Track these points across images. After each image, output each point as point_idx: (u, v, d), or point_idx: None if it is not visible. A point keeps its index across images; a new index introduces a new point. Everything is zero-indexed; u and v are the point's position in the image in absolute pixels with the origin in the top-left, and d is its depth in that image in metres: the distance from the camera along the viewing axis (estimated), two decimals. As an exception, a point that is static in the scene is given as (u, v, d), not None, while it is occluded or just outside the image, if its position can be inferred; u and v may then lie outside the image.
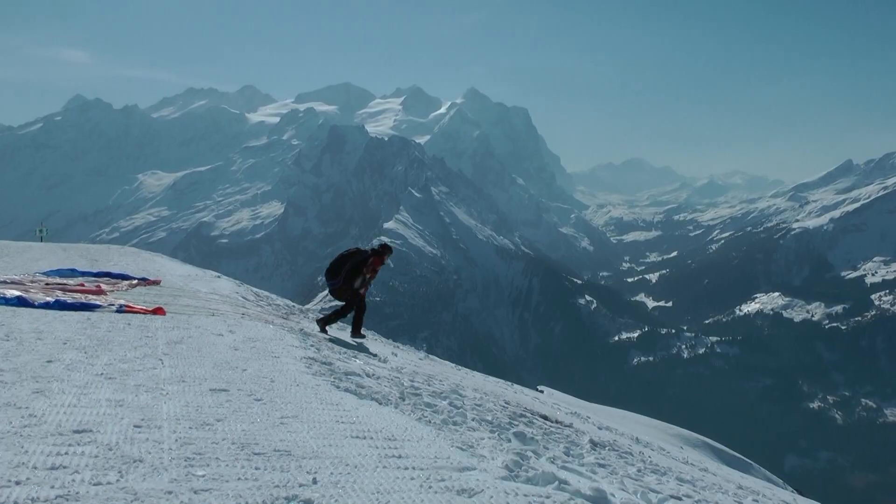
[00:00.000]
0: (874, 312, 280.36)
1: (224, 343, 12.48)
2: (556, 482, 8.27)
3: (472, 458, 8.25)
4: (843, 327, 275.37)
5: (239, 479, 5.81)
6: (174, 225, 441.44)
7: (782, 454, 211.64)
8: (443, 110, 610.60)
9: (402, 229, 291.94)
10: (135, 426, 6.89)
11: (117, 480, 5.37)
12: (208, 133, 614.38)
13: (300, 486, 5.86)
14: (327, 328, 16.62)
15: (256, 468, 6.12)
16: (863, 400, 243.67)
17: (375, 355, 16.86)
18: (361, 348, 16.47)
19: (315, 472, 6.28)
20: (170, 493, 5.27)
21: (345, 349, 15.34)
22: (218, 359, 10.92)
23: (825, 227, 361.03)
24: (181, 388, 8.79)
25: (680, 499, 13.31)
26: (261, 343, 13.05)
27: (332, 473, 6.35)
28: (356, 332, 16.64)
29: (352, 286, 15.40)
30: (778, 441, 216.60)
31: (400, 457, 7.51)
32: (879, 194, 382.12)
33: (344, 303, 15.80)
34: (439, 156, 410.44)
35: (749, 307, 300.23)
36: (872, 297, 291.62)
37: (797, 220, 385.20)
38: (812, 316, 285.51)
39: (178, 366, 10.08)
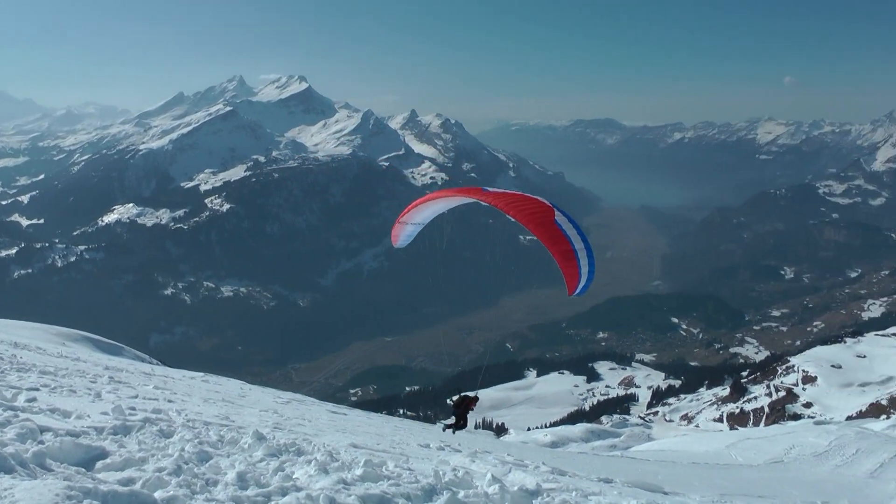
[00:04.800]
0: (208, 213, 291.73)
1: None
2: None
3: None
4: (185, 227, 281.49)
5: None
6: None
7: (147, 335, 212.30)
8: None
9: None
10: None
11: None
12: None
13: None
14: (448, 430, 19.51)
15: None
16: (205, 282, 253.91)
17: None
18: None
19: None
20: None
21: None
22: None
23: (166, 147, 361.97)
24: None
25: (38, 389, 12.84)
26: None
27: None
28: (447, 428, 19.08)
29: (462, 411, 17.53)
30: (143, 325, 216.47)
31: None
32: (206, 119, 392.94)
33: (456, 418, 18.11)
34: None
35: (110, 217, 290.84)
36: (206, 201, 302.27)
37: (143, 143, 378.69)
38: (161, 220, 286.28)
39: None
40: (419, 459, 11.86)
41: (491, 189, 13.83)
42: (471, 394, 18.47)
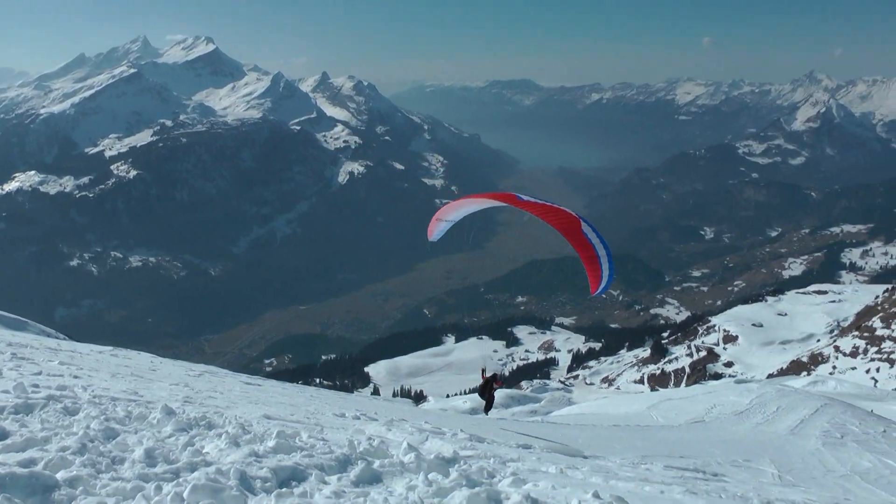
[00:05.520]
0: (114, 180, 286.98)
1: None
2: None
3: None
4: (90, 195, 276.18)
5: None
6: None
7: (53, 308, 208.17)
8: None
9: None
10: None
11: None
12: None
13: None
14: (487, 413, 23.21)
15: None
16: (112, 252, 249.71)
17: None
18: None
19: None
20: None
21: None
22: None
23: (68, 112, 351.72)
24: None
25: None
26: None
27: None
28: (487, 411, 22.12)
29: (489, 392, 19.71)
30: (48, 298, 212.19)
31: None
32: (110, 82, 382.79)
33: (486, 400, 20.44)
34: None
35: (10, 186, 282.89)
36: (112, 167, 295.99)
37: (44, 107, 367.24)
38: (65, 188, 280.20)
39: None
40: (334, 429, 11.87)
41: (524, 197, 15.73)
42: (489, 374, 19.91)
